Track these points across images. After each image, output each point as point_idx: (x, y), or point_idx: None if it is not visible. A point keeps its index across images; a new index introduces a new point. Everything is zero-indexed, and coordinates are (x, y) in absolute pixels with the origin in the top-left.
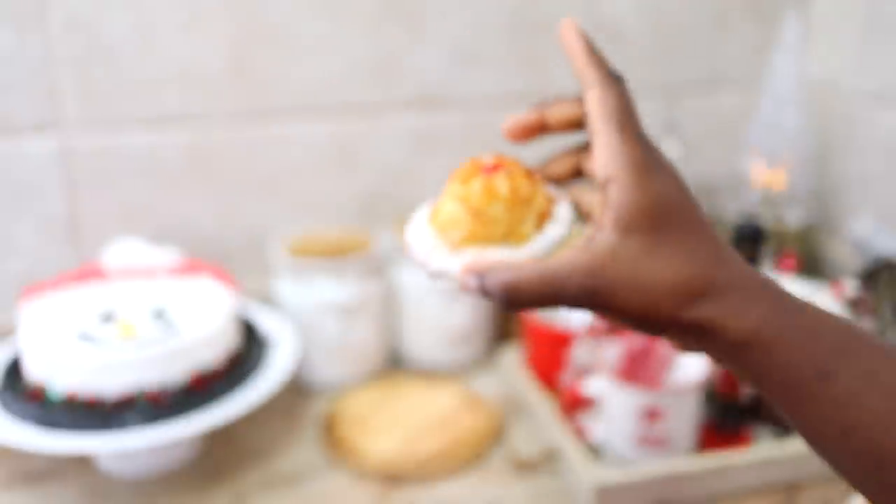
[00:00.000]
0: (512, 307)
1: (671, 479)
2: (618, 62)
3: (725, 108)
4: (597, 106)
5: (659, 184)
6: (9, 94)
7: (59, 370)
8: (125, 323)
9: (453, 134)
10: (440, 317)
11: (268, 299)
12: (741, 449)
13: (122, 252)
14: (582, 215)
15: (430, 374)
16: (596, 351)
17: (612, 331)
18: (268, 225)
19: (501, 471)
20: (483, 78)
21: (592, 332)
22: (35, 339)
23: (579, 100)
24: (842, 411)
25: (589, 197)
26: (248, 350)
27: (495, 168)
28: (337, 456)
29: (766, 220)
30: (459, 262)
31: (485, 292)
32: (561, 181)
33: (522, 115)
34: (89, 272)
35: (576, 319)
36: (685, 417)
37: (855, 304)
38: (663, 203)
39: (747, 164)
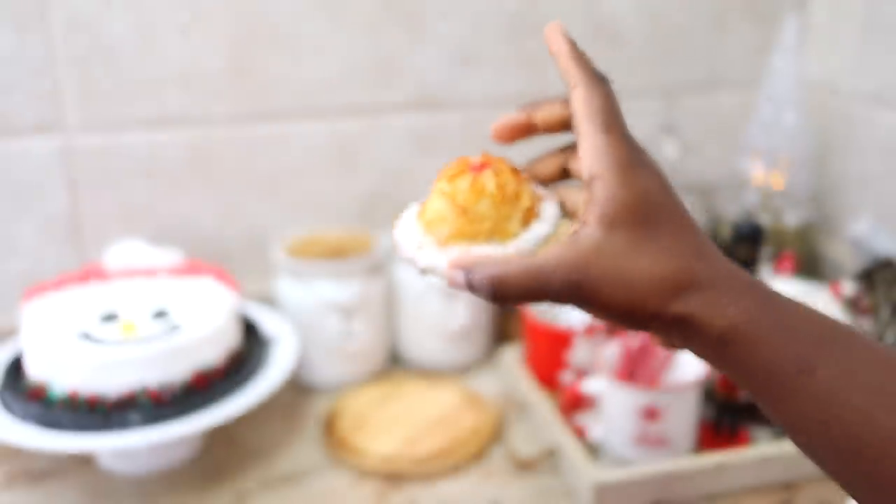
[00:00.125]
0: (498, 301)
1: (670, 479)
2: (617, 63)
3: (724, 108)
4: (582, 105)
5: (643, 181)
6: (10, 95)
7: (60, 369)
8: (126, 322)
9: (453, 134)
10: (440, 316)
11: (268, 299)
12: (739, 448)
13: (123, 253)
14: (568, 215)
15: (430, 373)
16: (595, 350)
17: (611, 330)
18: (268, 225)
19: (501, 470)
20: (483, 79)
21: (591, 332)
22: (36, 338)
23: (567, 101)
24: (822, 405)
25: (574, 197)
26: (249, 349)
27: (483, 166)
28: (337, 455)
29: (765, 220)
30: (446, 258)
31: (471, 287)
32: (547, 181)
33: (510, 115)
34: (90, 273)
35: (575, 319)
36: (684, 417)
37: (853, 304)
38: (647, 200)
39: (746, 164)
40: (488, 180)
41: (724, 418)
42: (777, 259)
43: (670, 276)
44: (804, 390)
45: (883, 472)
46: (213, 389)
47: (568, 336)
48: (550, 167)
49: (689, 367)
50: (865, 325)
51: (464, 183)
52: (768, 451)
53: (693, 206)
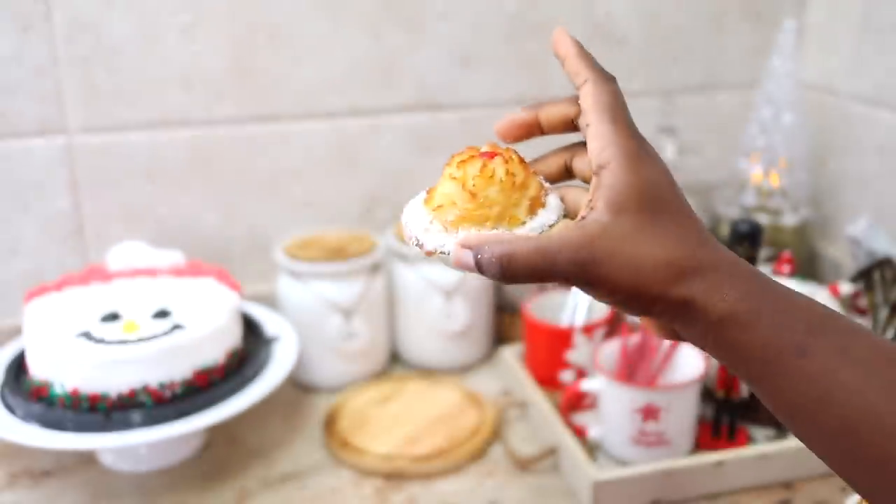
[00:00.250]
0: (506, 279)
1: (668, 477)
2: (616, 64)
3: (723, 109)
4: (591, 99)
5: (649, 170)
6: (13, 96)
7: (62, 368)
8: (128, 322)
9: (453, 135)
10: (440, 316)
11: (269, 299)
12: (738, 447)
13: (125, 254)
14: (569, 214)
15: (431, 373)
16: (594, 350)
17: (610, 330)
18: (269, 225)
19: (501, 469)
20: (483, 80)
21: (591, 331)
22: (38, 338)
23: (571, 101)
24: (815, 386)
25: (575, 196)
26: (250, 349)
27: (492, 154)
28: (337, 454)
29: (764, 220)
30: (454, 239)
31: (480, 266)
32: (550, 180)
33: (515, 114)
34: (93, 273)
35: (575, 319)
36: (683, 416)
37: (852, 304)
38: (653, 188)
39: (745, 164)
40: (498, 166)
41: (723, 417)
42: (775, 259)
43: (675, 261)
44: (799, 371)
45: (876, 452)
46: (213, 389)
47: (567, 336)
48: (553, 166)
49: (687, 367)
50: (864, 324)
51: (474, 168)
52: (767, 449)
53: (692, 207)
